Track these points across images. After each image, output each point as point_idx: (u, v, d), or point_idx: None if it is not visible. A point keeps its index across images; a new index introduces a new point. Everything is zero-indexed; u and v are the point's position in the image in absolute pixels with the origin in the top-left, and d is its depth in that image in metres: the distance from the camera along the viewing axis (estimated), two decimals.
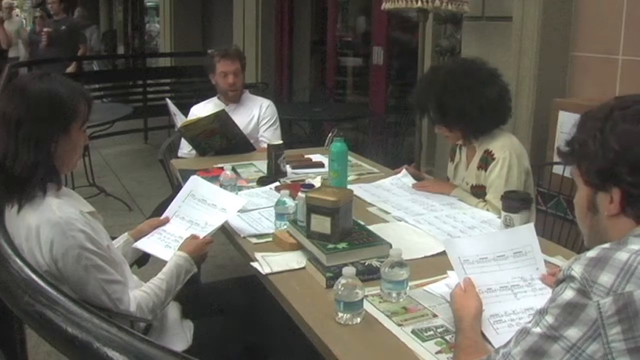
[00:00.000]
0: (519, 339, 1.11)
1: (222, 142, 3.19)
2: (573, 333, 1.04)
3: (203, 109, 3.51)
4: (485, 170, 2.37)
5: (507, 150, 2.34)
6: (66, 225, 1.56)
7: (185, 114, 3.53)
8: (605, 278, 1.04)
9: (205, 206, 2.10)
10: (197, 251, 1.90)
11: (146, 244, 2.02)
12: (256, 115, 3.48)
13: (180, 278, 1.82)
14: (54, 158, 1.63)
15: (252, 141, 3.33)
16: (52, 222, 1.55)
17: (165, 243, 2.00)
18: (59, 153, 1.63)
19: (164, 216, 2.11)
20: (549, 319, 1.07)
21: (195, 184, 2.20)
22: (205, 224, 2.04)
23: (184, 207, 2.11)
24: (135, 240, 2.02)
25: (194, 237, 1.95)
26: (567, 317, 1.05)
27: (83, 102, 1.68)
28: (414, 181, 2.63)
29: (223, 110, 3.19)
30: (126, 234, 2.05)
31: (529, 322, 1.12)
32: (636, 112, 1.16)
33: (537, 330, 1.08)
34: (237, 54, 3.47)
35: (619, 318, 1.01)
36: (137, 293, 1.72)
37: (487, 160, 2.37)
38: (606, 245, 1.12)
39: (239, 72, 3.44)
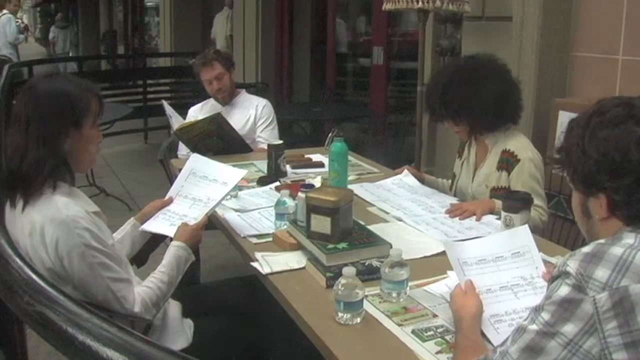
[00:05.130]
0: (516, 337, 1.11)
1: (219, 143, 3.19)
2: (569, 329, 1.05)
3: (200, 111, 3.51)
4: (508, 172, 2.30)
5: (528, 150, 2.30)
6: (72, 223, 1.57)
7: (185, 113, 3.52)
8: (601, 273, 1.04)
9: (206, 182, 2.13)
10: (192, 238, 1.92)
11: (153, 225, 2.04)
12: (252, 116, 3.46)
13: (180, 268, 1.85)
14: (67, 155, 1.64)
15: (249, 142, 3.33)
16: (57, 220, 1.56)
17: (170, 222, 2.03)
18: (72, 150, 1.65)
19: (167, 196, 2.13)
20: (545, 315, 1.08)
21: (195, 161, 2.22)
22: (207, 199, 2.06)
23: (187, 186, 2.14)
24: (142, 224, 2.04)
25: (185, 224, 1.96)
26: (563, 313, 1.06)
27: (93, 98, 1.70)
28: (415, 181, 2.62)
29: (219, 114, 3.19)
30: (132, 218, 2.07)
31: (525, 319, 1.13)
32: (612, 118, 1.17)
33: (534, 327, 1.09)
34: (216, 58, 3.39)
35: (615, 313, 1.02)
36: (141, 289, 1.73)
37: (509, 161, 2.31)
38: (601, 240, 1.13)
39: (222, 76, 3.38)
